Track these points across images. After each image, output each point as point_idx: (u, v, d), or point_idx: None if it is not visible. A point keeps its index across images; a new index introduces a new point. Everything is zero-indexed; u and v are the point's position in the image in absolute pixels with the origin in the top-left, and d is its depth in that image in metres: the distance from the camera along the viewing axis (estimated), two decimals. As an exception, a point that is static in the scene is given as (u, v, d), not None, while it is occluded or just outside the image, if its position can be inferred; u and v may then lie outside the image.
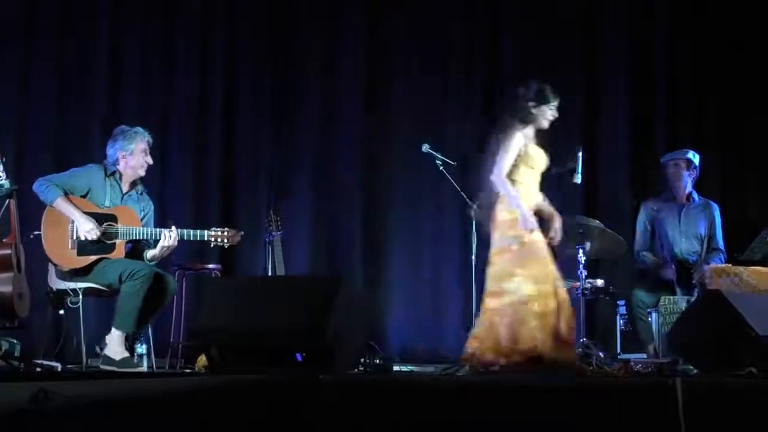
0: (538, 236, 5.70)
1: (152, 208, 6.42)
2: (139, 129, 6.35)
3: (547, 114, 5.82)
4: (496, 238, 5.79)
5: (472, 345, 5.60)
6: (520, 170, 5.76)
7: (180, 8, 8.15)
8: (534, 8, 8.43)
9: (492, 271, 5.75)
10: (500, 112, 5.91)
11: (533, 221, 5.68)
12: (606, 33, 8.48)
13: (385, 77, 8.38)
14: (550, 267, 5.66)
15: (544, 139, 5.85)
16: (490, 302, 5.67)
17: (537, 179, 5.86)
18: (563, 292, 5.65)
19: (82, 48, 7.88)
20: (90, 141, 7.57)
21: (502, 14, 8.52)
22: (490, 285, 5.73)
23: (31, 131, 7.71)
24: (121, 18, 8.00)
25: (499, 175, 5.70)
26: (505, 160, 5.71)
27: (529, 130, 5.80)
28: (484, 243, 7.56)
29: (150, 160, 6.32)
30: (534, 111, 5.77)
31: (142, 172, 6.31)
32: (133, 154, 6.26)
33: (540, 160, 5.81)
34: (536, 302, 5.55)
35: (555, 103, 5.83)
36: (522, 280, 5.62)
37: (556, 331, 5.51)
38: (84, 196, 6.16)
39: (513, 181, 5.75)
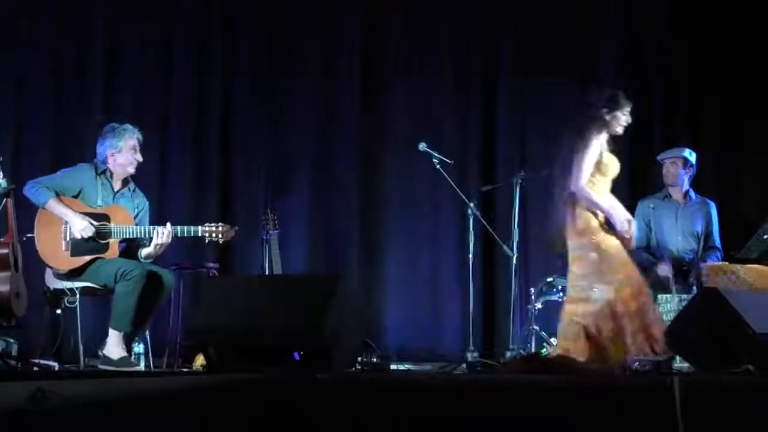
0: (614, 240, 5.69)
1: (147, 205, 6.41)
2: (128, 126, 6.34)
3: (621, 120, 5.82)
4: (574, 245, 5.78)
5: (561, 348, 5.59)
6: (595, 178, 5.76)
7: (178, 8, 8.14)
8: (531, 8, 8.44)
9: (572, 277, 5.74)
10: (572, 121, 5.91)
11: (623, 215, 5.67)
12: (603, 32, 8.48)
13: (383, 77, 8.38)
14: (630, 269, 5.64)
15: (617, 144, 5.86)
16: (576, 308, 5.63)
17: (609, 185, 5.86)
18: (645, 296, 5.62)
19: (79, 47, 7.87)
20: (87, 140, 7.54)
21: (499, 14, 8.52)
22: (571, 291, 5.71)
23: (29, 131, 7.71)
24: (119, 18, 7.99)
25: (579, 184, 5.69)
26: (584, 170, 5.71)
27: (604, 137, 5.80)
28: (481, 241, 7.61)
29: (139, 158, 6.31)
30: (608, 118, 5.77)
31: (131, 170, 6.29)
32: (122, 152, 6.24)
33: (613, 167, 5.80)
34: (618, 306, 5.53)
35: (628, 108, 5.83)
36: (604, 287, 5.61)
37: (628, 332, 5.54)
38: (76, 197, 6.16)
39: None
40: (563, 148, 5.84)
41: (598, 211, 5.65)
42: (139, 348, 6.24)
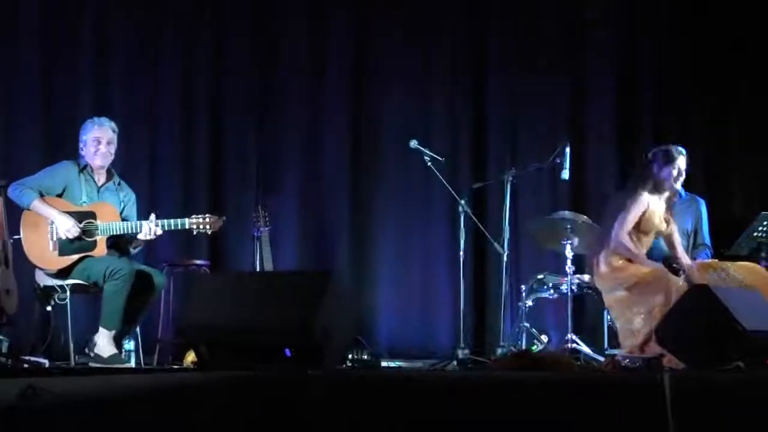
0: (642, 269, 6.00)
1: (133, 197, 6.38)
2: (96, 119, 6.30)
3: (674, 173, 5.93)
4: (605, 288, 6.06)
5: None
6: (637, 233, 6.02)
7: (168, 3, 8.12)
8: (522, 4, 8.44)
9: (615, 317, 6.09)
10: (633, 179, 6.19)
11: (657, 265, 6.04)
12: (593, 29, 8.48)
13: (373, 74, 8.38)
14: (668, 285, 5.87)
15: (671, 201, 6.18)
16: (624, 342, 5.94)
17: (650, 242, 6.19)
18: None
19: (68, 44, 7.85)
20: (77, 137, 7.54)
21: (489, 11, 8.52)
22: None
23: (18, 128, 7.67)
24: (108, 14, 7.96)
25: (619, 235, 5.97)
26: (626, 223, 5.97)
27: (656, 196, 5.95)
28: (472, 238, 7.62)
29: (104, 149, 6.20)
30: (660, 176, 5.90)
31: (100, 162, 6.21)
32: (86, 144, 6.22)
33: (652, 223, 6.05)
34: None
35: (679, 159, 6.05)
36: (643, 315, 5.82)
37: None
38: (60, 195, 6.14)
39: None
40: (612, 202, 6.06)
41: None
42: (129, 345, 6.23)
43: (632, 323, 5.86)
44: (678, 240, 6.25)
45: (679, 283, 5.87)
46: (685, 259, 6.21)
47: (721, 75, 8.14)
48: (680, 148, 6.15)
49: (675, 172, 6.00)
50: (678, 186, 6.09)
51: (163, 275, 6.27)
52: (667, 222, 6.13)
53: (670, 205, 6.19)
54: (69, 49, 7.85)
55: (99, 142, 6.21)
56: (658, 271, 5.97)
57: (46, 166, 6.34)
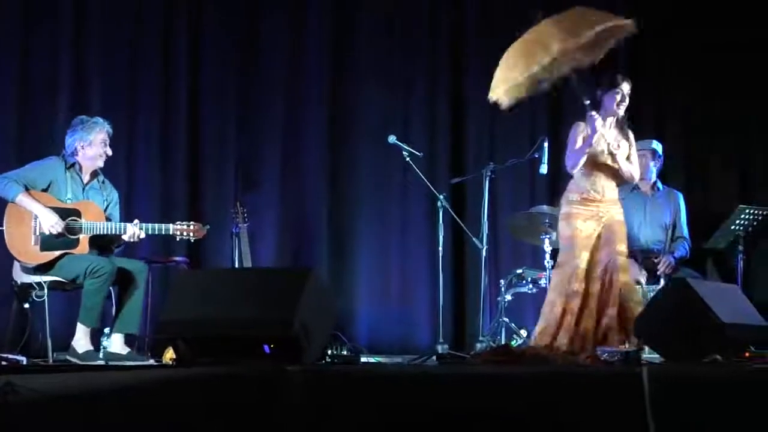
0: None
1: (116, 196, 6.41)
2: (99, 119, 6.33)
3: (617, 98, 5.98)
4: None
5: None
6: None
7: (145, 4, 8.09)
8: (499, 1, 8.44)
9: None
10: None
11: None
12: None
13: (351, 70, 8.36)
14: None
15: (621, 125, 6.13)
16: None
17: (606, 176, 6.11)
18: None
19: (45, 43, 7.81)
20: (55, 134, 7.50)
21: (468, 6, 8.51)
22: None
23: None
24: (86, 14, 7.92)
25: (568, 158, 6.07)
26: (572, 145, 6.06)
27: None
28: (451, 233, 7.63)
29: (109, 152, 6.31)
30: (604, 100, 6.02)
31: (100, 163, 6.29)
32: (91, 145, 6.23)
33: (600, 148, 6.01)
34: None
35: (623, 84, 6.04)
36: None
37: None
38: (45, 190, 6.13)
39: None
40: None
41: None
42: (107, 342, 6.20)
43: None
44: (631, 163, 6.03)
45: (574, 287, 5.79)
46: (626, 168, 6.01)
47: (697, 67, 8.14)
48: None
49: (618, 97, 5.98)
50: (621, 111, 6.02)
51: (144, 266, 6.25)
52: (619, 145, 5.98)
53: (623, 129, 6.08)
54: (46, 47, 7.81)
55: (105, 144, 6.28)
56: (568, 271, 5.87)
57: (22, 164, 6.31)
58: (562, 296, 5.81)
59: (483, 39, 8.41)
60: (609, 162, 5.94)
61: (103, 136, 6.27)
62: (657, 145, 7.24)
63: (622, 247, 5.92)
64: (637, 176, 6.11)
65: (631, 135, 6.08)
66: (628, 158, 6.03)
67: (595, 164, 5.95)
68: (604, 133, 5.89)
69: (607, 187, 5.98)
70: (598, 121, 5.84)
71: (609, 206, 5.96)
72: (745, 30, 7.95)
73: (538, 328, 5.87)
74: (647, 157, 7.18)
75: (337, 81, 8.31)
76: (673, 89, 8.25)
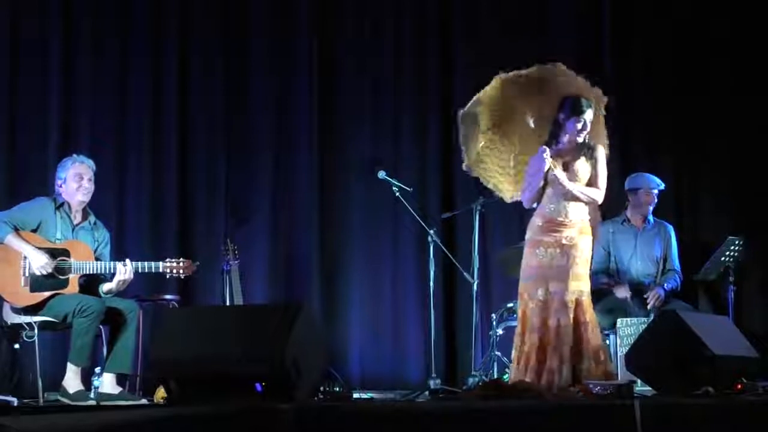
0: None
1: (107, 237, 6.38)
2: (75, 156, 6.32)
3: (578, 126, 5.85)
4: None
5: None
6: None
7: (133, 31, 8.12)
8: (485, 9, 8.44)
9: None
10: None
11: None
12: (552, 35, 8.42)
13: (341, 105, 8.37)
14: None
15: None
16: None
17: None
18: None
19: (34, 75, 7.85)
20: (42, 170, 7.51)
21: (457, 38, 8.50)
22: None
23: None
24: (76, 42, 7.96)
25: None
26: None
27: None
28: (442, 268, 7.63)
29: (86, 185, 6.25)
30: (565, 125, 5.90)
31: (83, 198, 6.25)
32: (66, 181, 6.23)
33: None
34: None
35: (587, 112, 5.85)
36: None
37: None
38: (35, 230, 6.12)
39: None
40: None
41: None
42: (98, 382, 6.18)
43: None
44: (598, 187, 5.83)
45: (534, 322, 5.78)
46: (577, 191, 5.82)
47: (688, 98, 8.16)
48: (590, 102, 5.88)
49: (579, 126, 5.89)
50: (580, 139, 5.92)
51: (135, 304, 6.22)
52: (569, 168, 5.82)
53: (583, 152, 5.87)
54: (35, 81, 7.84)
55: (81, 178, 6.24)
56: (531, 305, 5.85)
57: (10, 194, 6.32)
58: (527, 331, 5.81)
59: (472, 75, 8.42)
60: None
61: (76, 170, 6.23)
62: (660, 183, 7.24)
63: (575, 285, 5.77)
64: (599, 199, 5.86)
65: (599, 154, 5.88)
66: (590, 182, 5.85)
67: (554, 187, 5.85)
68: (555, 165, 5.79)
69: (572, 209, 5.82)
70: (546, 154, 5.76)
71: (573, 231, 5.80)
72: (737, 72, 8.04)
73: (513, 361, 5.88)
74: (653, 195, 7.19)
75: (327, 117, 8.30)
76: (665, 120, 8.24)
